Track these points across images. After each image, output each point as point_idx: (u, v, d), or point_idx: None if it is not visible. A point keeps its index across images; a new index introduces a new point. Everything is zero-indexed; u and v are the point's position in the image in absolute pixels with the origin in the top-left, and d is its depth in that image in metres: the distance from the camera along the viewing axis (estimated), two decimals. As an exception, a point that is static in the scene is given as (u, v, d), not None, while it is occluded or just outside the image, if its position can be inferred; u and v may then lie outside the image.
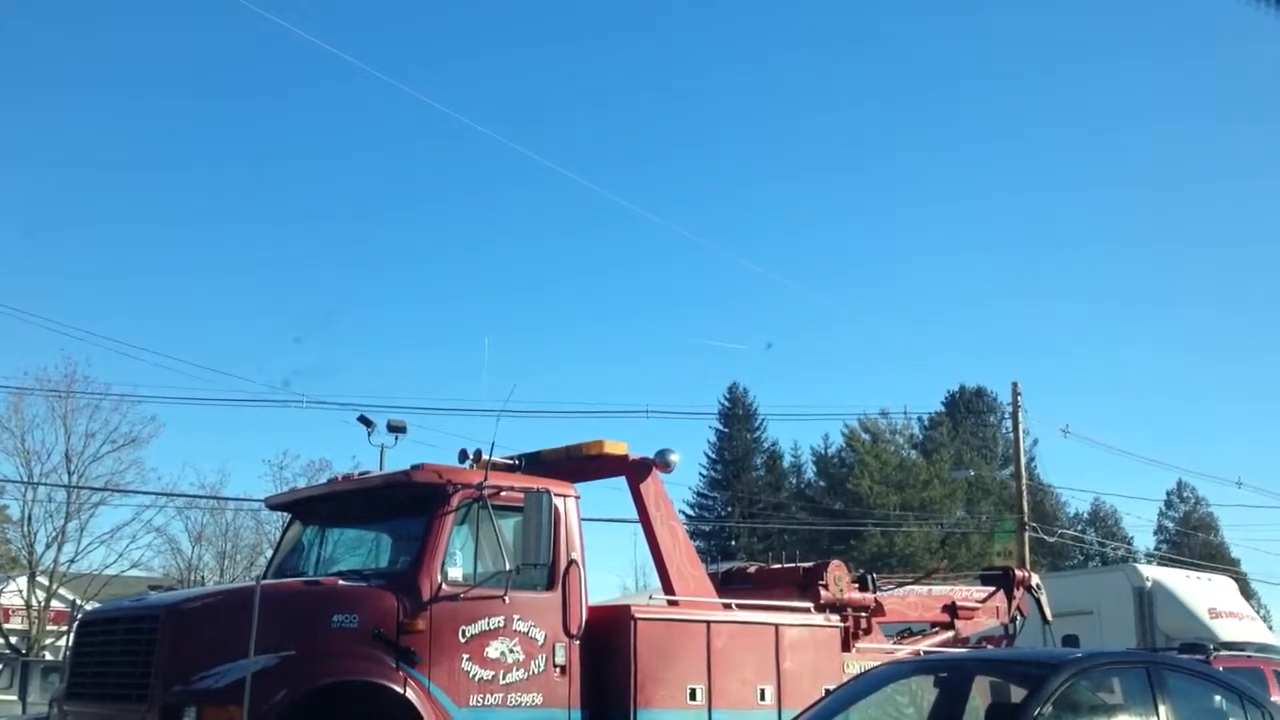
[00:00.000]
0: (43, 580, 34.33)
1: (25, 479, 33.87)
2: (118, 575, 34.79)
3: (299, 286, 74.35)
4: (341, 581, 9.40)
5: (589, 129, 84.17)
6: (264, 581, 8.98)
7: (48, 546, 34.08)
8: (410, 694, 8.78)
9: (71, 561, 34.58)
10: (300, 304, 73.65)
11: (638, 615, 10.09)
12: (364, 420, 12.00)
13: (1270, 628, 26.19)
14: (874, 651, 11.65)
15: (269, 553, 29.35)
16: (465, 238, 79.32)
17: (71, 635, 10.15)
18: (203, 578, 36.74)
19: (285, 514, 11.77)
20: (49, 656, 30.49)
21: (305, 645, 8.65)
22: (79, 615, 12.84)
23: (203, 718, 8.15)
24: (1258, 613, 27.53)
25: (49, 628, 34.37)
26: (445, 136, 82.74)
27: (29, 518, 34.21)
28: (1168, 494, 69.55)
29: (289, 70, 73.19)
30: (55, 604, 34.64)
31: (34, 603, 34.20)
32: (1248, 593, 35.89)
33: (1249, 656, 16.10)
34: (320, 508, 10.74)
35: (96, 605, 12.09)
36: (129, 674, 8.77)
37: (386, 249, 78.28)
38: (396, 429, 11.21)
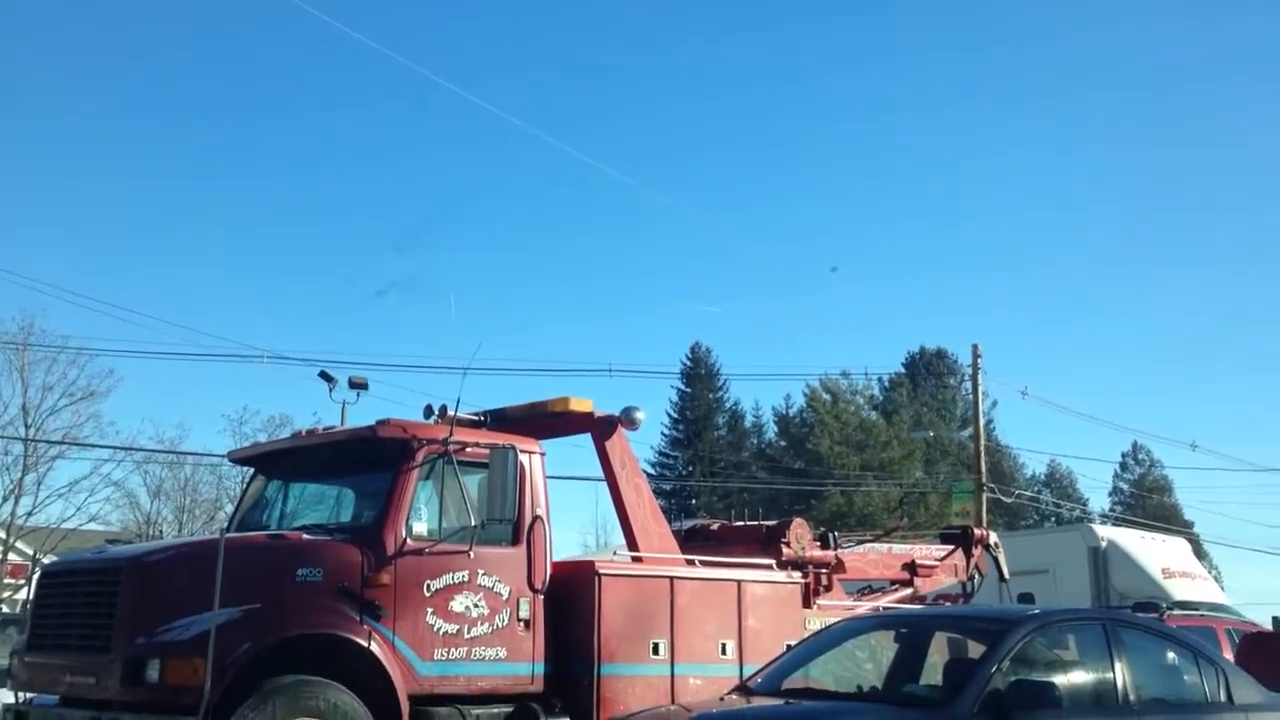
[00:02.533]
0: (0, 534, 34.07)
1: (-18, 431, 33.58)
2: (75, 529, 34.56)
3: (258, 245, 73.75)
4: (305, 535, 9.39)
5: (554, 87, 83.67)
6: (228, 535, 8.96)
7: (4, 500, 33.93)
8: (374, 647, 8.80)
9: (29, 515, 34.40)
10: (262, 258, 73.13)
11: (602, 571, 10.14)
12: (325, 376, 11.94)
13: (1222, 588, 26.64)
14: (835, 608, 11.78)
15: (228, 508, 29.31)
16: (428, 197, 78.78)
17: (33, 587, 10.09)
18: (161, 532, 36.55)
19: (247, 469, 11.71)
20: (6, 610, 30.30)
21: (269, 598, 8.64)
22: (40, 568, 12.78)
23: (166, 669, 8.15)
24: (1210, 573, 27.96)
25: (6, 581, 34.14)
26: (406, 95, 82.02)
27: (-14, 470, 33.93)
28: (1123, 456, 70.35)
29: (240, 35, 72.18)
30: (13, 557, 34.42)
31: (-9, 556, 33.98)
32: (1200, 554, 36.34)
33: (1201, 615, 16.41)
34: (284, 462, 10.71)
35: (56, 558, 12.00)
36: (92, 626, 8.74)
37: (347, 205, 77.64)
38: (358, 385, 11.18)
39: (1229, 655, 11.22)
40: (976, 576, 14.55)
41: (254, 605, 8.50)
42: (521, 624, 9.68)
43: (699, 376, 61.89)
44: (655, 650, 10.20)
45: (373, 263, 76.04)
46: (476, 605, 9.45)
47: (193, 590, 8.32)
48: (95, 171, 66.37)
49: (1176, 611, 14.17)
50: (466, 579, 9.44)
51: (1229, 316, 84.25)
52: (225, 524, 10.74)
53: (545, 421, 11.04)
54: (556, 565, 10.13)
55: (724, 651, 10.62)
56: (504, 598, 9.62)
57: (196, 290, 66.14)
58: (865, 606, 12.50)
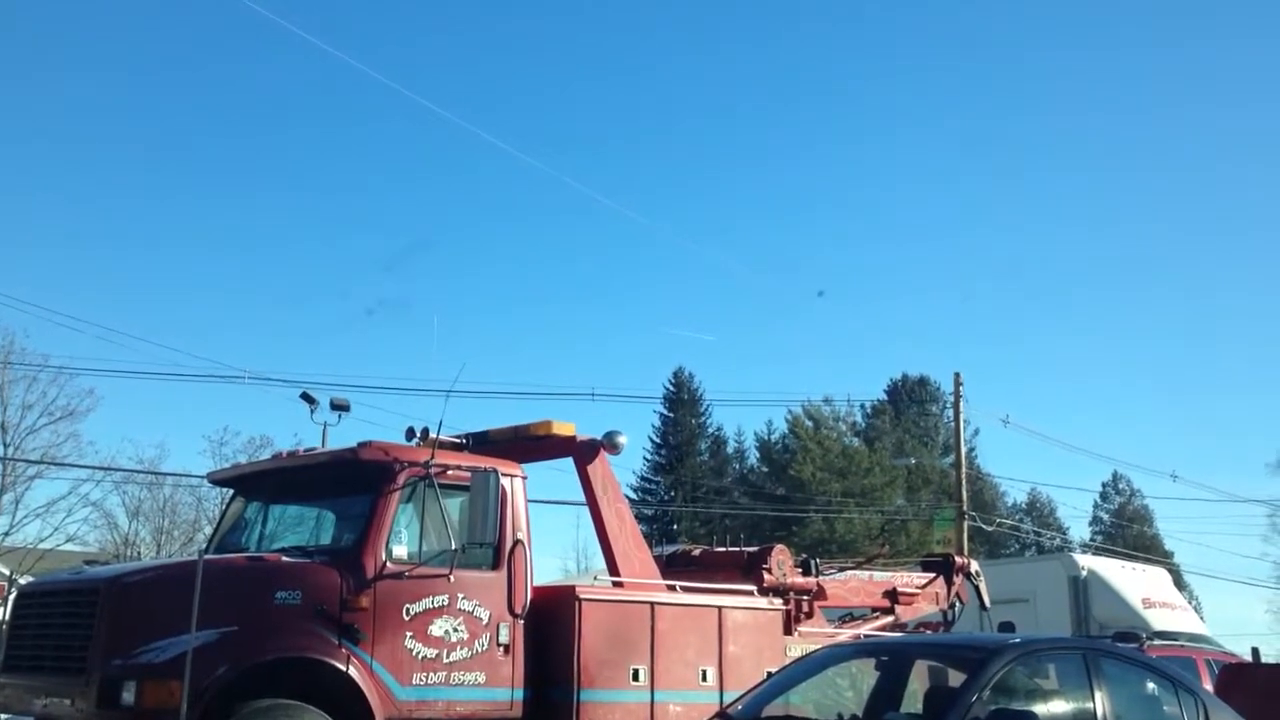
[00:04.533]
0: (-24, 553, 33.83)
1: (-40, 451, 33.37)
2: (53, 549, 34.32)
3: (242, 265, 73.63)
4: (285, 558, 9.34)
5: (541, 111, 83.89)
6: (206, 556, 8.90)
7: (-19, 519, 33.60)
8: (353, 671, 8.76)
9: (5, 535, 34.11)
10: (252, 279, 73.02)
11: (582, 596, 10.11)
12: (307, 397, 11.91)
13: (1202, 618, 26.64)
14: (816, 635, 11.77)
15: (207, 529, 29.18)
16: (415, 220, 78.75)
17: (9, 608, 10.01)
18: (139, 553, 36.32)
19: (227, 490, 11.66)
20: (-19, 630, 30.03)
21: (247, 621, 8.60)
22: (16, 588, 12.68)
23: (143, 691, 8.09)
24: (1190, 604, 28.01)
25: (-18, 601, 33.86)
26: (395, 118, 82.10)
27: (-37, 489, 33.69)
28: (1104, 485, 70.58)
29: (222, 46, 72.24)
30: (-12, 577, 34.16)
31: (-33, 575, 33.69)
32: (1180, 584, 36.43)
33: (1181, 646, 16.41)
34: (264, 483, 10.67)
35: (33, 578, 11.90)
36: (68, 647, 8.69)
37: (332, 227, 77.57)
38: (340, 407, 11.18)
39: (1209, 686, 11.21)
40: (957, 604, 14.57)
41: (232, 627, 8.46)
42: (501, 649, 9.64)
43: (682, 401, 61.89)
44: (635, 676, 10.16)
45: (359, 283, 76.00)
46: (456, 629, 9.41)
47: (170, 612, 8.26)
48: (77, 189, 66.29)
49: (1157, 641, 14.16)
50: (446, 603, 9.40)
51: (1211, 347, 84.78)
52: (204, 545, 10.68)
53: (527, 445, 11.02)
54: (537, 589, 10.10)
55: (704, 678, 10.59)
56: (484, 622, 9.58)
57: (178, 311, 66.01)
58: (846, 634, 12.49)
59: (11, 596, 10.72)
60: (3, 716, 9.31)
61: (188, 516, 38.34)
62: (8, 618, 9.91)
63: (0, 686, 9.28)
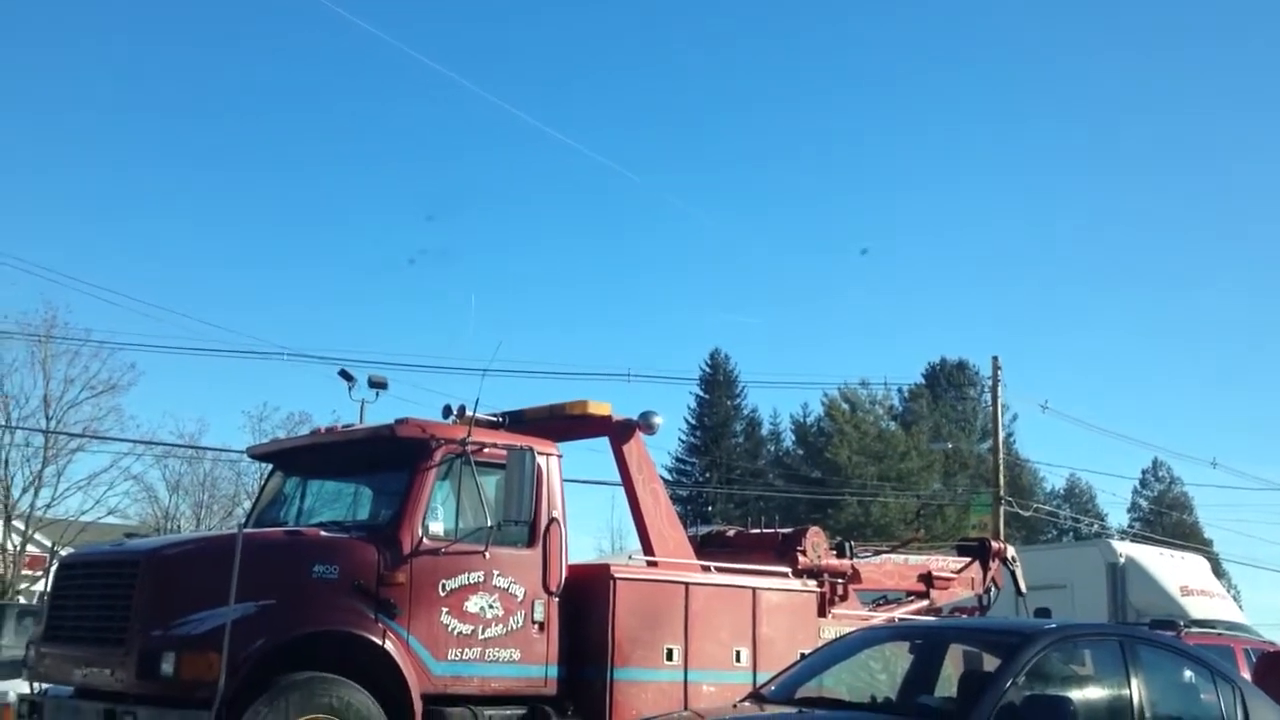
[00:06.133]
0: (18, 525, 34.22)
1: (3, 423, 33.73)
2: (94, 522, 34.64)
3: (283, 241, 74.06)
4: (323, 532, 9.41)
5: (579, 90, 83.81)
6: (245, 530, 8.98)
7: (24, 491, 33.96)
8: (389, 646, 8.81)
9: (48, 507, 34.47)
10: (286, 255, 73.49)
11: (617, 575, 10.13)
12: (345, 375, 11.88)
13: (1241, 607, 26.46)
14: (850, 618, 11.73)
15: (246, 504, 29.38)
16: (452, 195, 78.92)
17: (51, 578, 10.13)
18: (179, 526, 36.66)
19: (266, 464, 11.75)
20: (23, 601, 30.42)
21: (285, 594, 8.66)
22: (58, 559, 12.82)
23: (181, 663, 8.16)
24: (1229, 592, 27.78)
25: (24, 572, 34.28)
26: (435, 96, 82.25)
27: (5, 462, 33.98)
28: (1143, 472, 70.11)
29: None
30: (30, 549, 34.54)
31: (9, 547, 34.09)
32: (1219, 572, 36.10)
33: (1219, 634, 16.28)
34: (303, 459, 10.73)
35: (74, 550, 12.04)
36: (108, 618, 8.78)
37: (372, 202, 77.88)
38: (378, 385, 11.14)
39: (1246, 674, 11.12)
40: (993, 590, 14.48)
41: (270, 601, 8.53)
42: (536, 626, 9.67)
43: (717, 383, 61.85)
44: (669, 656, 10.17)
45: (397, 258, 76.19)
46: (491, 606, 9.45)
47: (209, 585, 8.35)
48: (120, 165, 66.68)
49: (1194, 629, 14.07)
50: (482, 580, 9.44)
51: (1253, 334, 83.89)
52: (243, 519, 10.76)
53: (563, 424, 11.04)
54: (572, 568, 10.11)
55: (738, 659, 10.59)
56: (519, 599, 9.62)
57: (219, 286, 66.37)
58: (881, 617, 12.45)
59: (53, 568, 10.86)
60: (43, 686, 9.45)
61: (227, 491, 38.66)
62: (49, 589, 10.03)
63: (41, 656, 9.41)
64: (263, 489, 11.58)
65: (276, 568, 8.80)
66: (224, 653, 7.95)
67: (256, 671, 8.25)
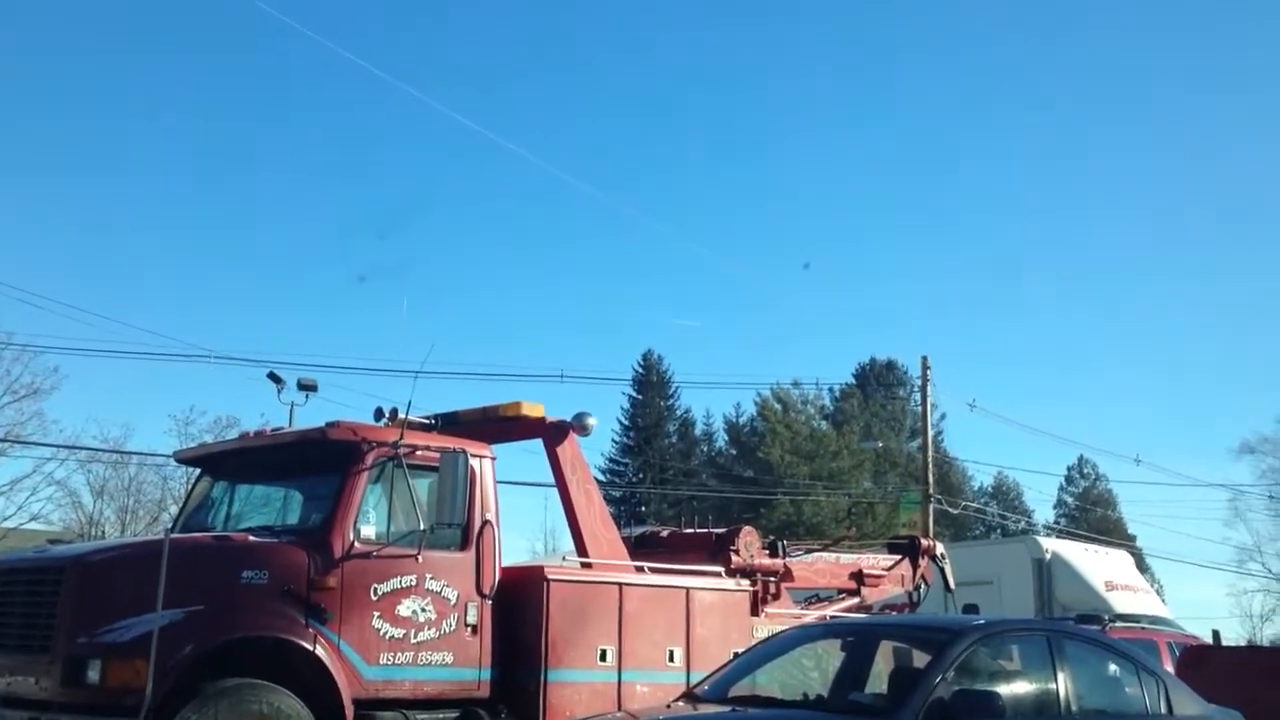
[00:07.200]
0: (-61, 531, 33.58)
1: (-78, 428, 33.07)
2: (16, 528, 34.11)
3: (208, 244, 73.10)
4: (252, 538, 9.31)
5: (519, 95, 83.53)
6: (172, 535, 8.87)
7: (-55, 497, 33.36)
8: (320, 651, 8.74)
9: (-32, 513, 33.87)
10: (212, 258, 72.53)
11: (550, 576, 10.13)
12: (274, 377, 11.82)
13: (1164, 601, 26.88)
14: (782, 616, 11.82)
15: (173, 509, 29.03)
16: (384, 200, 78.33)
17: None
18: (104, 532, 36.12)
19: (194, 469, 11.62)
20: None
21: (214, 600, 8.57)
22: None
23: (108, 670, 8.07)
24: (1152, 587, 28.29)
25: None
26: (380, 105, 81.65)
27: (-75, 468, 33.43)
28: (1068, 469, 71.06)
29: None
30: (-50, 556, 33.88)
31: (-71, 554, 33.43)
32: (1142, 567, 36.78)
33: (1143, 628, 16.59)
34: (231, 463, 10.62)
35: (-3, 557, 11.81)
36: (32, 625, 8.64)
37: (300, 209, 77.10)
38: (307, 387, 11.11)
39: (1170, 668, 11.35)
40: (923, 586, 14.68)
41: (198, 607, 8.44)
42: (469, 629, 9.65)
43: (650, 384, 61.91)
44: (603, 657, 10.19)
45: (326, 267, 75.50)
46: (424, 610, 9.41)
47: (136, 591, 8.24)
48: (44, 168, 65.43)
49: (1119, 624, 14.32)
50: (414, 583, 9.40)
51: (1176, 332, 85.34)
52: (170, 525, 10.62)
53: (497, 426, 11.02)
54: (505, 570, 10.11)
55: (671, 659, 10.63)
56: (452, 602, 9.59)
57: (144, 288, 65.44)
58: (813, 615, 12.55)
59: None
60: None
61: (153, 496, 38.25)
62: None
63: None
64: (190, 494, 11.46)
65: (205, 573, 8.70)
66: (152, 660, 7.86)
67: (185, 678, 8.16)
